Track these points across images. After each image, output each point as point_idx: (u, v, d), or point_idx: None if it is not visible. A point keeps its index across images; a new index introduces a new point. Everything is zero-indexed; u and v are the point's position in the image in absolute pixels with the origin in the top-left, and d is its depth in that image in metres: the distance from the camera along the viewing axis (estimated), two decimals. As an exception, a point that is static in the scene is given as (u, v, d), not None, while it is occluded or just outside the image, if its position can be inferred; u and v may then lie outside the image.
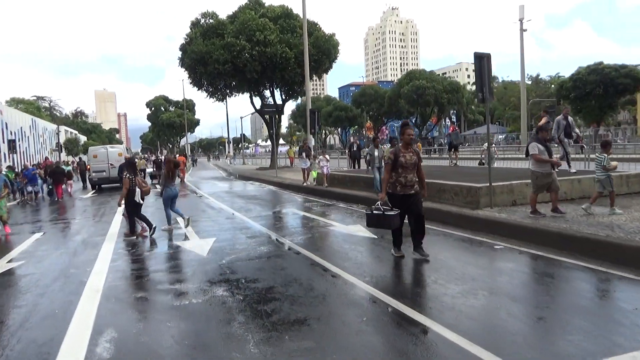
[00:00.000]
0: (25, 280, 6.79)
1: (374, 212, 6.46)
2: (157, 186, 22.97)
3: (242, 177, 28.24)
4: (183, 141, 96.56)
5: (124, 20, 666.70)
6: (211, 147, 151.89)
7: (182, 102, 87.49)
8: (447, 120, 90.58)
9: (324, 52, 28.86)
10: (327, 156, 16.26)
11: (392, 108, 79.78)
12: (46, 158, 32.78)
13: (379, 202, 6.45)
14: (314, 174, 16.84)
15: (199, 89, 29.90)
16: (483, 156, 18.99)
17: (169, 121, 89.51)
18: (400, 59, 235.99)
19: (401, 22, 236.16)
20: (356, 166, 21.44)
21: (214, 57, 26.63)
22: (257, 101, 33.32)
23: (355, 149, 18.92)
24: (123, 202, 9.79)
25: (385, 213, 6.31)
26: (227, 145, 61.73)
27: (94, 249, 8.76)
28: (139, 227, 10.07)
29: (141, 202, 9.87)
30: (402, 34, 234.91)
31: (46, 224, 12.43)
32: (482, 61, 9.34)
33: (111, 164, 23.65)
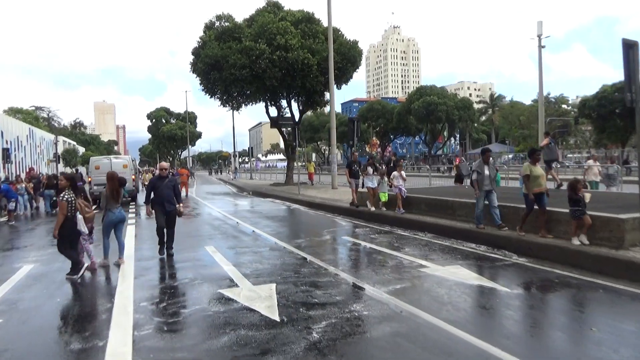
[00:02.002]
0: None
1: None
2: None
3: (257, 193, 25.70)
4: (184, 154, 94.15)
5: (125, 33, 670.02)
6: (210, 161, 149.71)
7: (185, 114, 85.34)
8: (452, 139, 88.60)
9: (349, 59, 26.64)
10: (403, 172, 12.59)
11: (400, 124, 77.89)
12: (31, 168, 30.02)
13: None
14: (383, 196, 13.04)
15: (211, 96, 27.51)
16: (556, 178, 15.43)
17: (170, 133, 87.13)
18: (402, 76, 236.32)
19: (402, 40, 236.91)
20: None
21: (230, 61, 24.33)
22: (271, 112, 31.01)
23: (355, 167, 15.04)
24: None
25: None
26: (232, 159, 59.18)
27: (103, 296, 6.18)
28: (85, 260, 7.58)
29: (85, 231, 7.25)
30: (404, 52, 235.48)
31: (39, 250, 9.84)
32: (631, 50, 6.97)
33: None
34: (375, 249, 8.90)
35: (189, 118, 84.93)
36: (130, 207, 19.53)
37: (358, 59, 27.26)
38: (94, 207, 20.29)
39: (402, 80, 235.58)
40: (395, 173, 12.31)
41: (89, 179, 22.24)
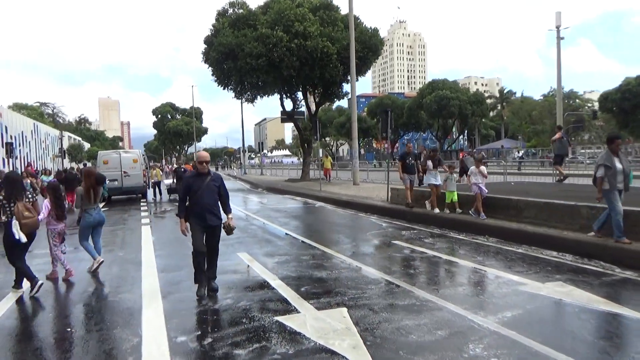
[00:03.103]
0: None
1: None
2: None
3: (272, 190, 24.31)
4: (190, 150, 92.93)
5: (129, 30, 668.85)
6: (215, 157, 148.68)
7: (190, 109, 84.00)
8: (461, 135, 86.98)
9: (370, 47, 25.14)
10: (484, 169, 10.37)
11: (411, 119, 76.35)
12: (28, 164, 28.65)
13: None
14: (452, 195, 10.84)
15: (224, 88, 26.03)
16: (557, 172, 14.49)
17: (175, 129, 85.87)
18: (408, 71, 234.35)
19: (409, 35, 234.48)
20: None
21: (246, 50, 22.86)
22: (286, 105, 29.55)
23: (410, 160, 12.84)
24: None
25: None
26: (242, 154, 57.83)
27: (126, 326, 4.77)
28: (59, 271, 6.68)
29: (23, 240, 5.79)
30: (410, 46, 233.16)
31: (40, 265, 8.46)
32: None
33: (124, 172, 19.78)
34: (442, 257, 7.48)
35: (195, 113, 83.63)
36: (141, 204, 18.16)
37: (380, 47, 25.76)
38: (102, 204, 19.31)
39: (408, 76, 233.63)
40: (473, 169, 10.36)
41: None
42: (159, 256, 8.05)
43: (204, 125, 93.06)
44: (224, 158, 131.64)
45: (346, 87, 28.46)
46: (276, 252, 8.11)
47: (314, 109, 28.78)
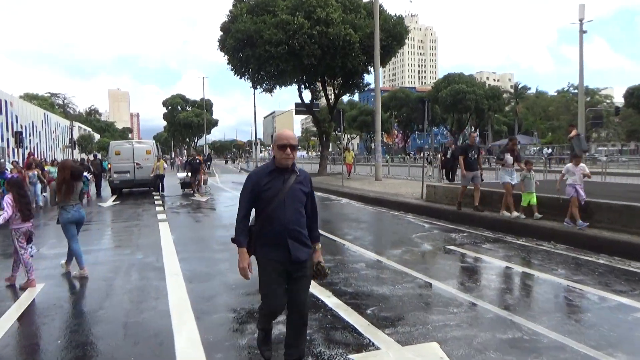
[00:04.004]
0: None
1: None
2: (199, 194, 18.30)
3: (290, 184, 23.20)
4: (200, 142, 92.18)
5: (140, 23, 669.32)
6: (224, 150, 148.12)
7: (201, 101, 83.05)
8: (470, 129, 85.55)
9: (394, 36, 23.88)
10: (584, 166, 8.39)
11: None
12: (30, 153, 27.66)
13: None
14: (530, 197, 8.93)
15: (241, 77, 24.94)
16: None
17: (186, 121, 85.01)
18: (419, 66, 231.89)
19: (420, 29, 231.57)
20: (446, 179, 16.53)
21: (265, 37, 21.72)
22: (304, 96, 28.38)
23: (473, 154, 11.67)
24: None
25: None
26: (254, 147, 56.80)
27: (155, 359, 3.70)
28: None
29: None
30: (421, 41, 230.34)
31: (51, 263, 7.43)
32: None
33: (137, 164, 18.79)
34: (516, 269, 6.35)
35: (205, 105, 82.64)
36: (155, 198, 17.16)
37: (404, 35, 24.50)
38: (114, 198, 18.18)
39: (419, 70, 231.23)
40: (569, 166, 8.35)
41: (109, 166, 19.98)
42: (183, 260, 6.99)
43: (214, 117, 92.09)
44: (233, 151, 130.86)
45: (367, 77, 27.33)
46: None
47: (333, 100, 27.64)
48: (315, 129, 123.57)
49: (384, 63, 25.28)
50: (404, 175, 23.24)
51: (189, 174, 18.93)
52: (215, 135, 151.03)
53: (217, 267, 6.57)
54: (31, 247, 6.08)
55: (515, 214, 9.21)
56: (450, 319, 4.37)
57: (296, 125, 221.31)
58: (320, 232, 8.70)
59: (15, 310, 4.95)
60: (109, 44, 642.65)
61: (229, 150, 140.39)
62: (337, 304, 4.85)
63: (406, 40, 25.50)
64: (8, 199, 5.80)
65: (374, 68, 25.20)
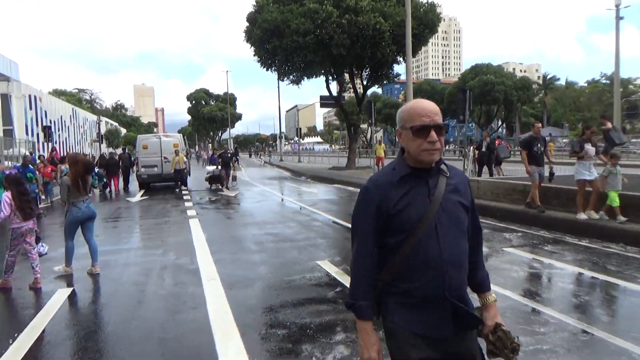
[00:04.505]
0: None
1: None
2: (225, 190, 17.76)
3: (318, 178, 22.60)
4: (224, 136, 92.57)
5: (162, 18, 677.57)
6: (247, 144, 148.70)
7: (224, 95, 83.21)
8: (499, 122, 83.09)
9: (426, 24, 22.94)
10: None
11: (451, 105, 73.30)
12: (52, 148, 27.73)
13: None
14: (613, 196, 7.68)
15: (267, 69, 24.40)
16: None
17: (210, 115, 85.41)
18: (442, 57, 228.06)
19: (444, 19, 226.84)
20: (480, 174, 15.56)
21: (292, 26, 21.10)
22: (332, 88, 27.68)
23: (539, 147, 9.81)
24: None
25: None
26: (279, 140, 56.49)
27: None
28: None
29: None
30: (445, 32, 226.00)
31: (79, 264, 7.01)
32: None
33: (165, 158, 18.49)
34: (594, 276, 5.59)
35: (229, 99, 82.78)
36: (183, 193, 16.81)
37: (437, 23, 23.52)
38: (141, 192, 17.86)
39: (442, 62, 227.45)
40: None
41: (136, 160, 19.77)
42: (218, 262, 6.46)
43: (237, 111, 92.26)
44: (257, 144, 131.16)
45: (396, 68, 26.46)
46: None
47: (361, 91, 26.87)
48: (337, 122, 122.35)
49: (414, 52, 24.36)
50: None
51: (219, 167, 18.19)
52: (238, 129, 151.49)
53: (257, 271, 6.02)
54: (42, 245, 5.85)
55: (592, 215, 8.22)
56: (540, 342, 3.69)
57: (318, 119, 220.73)
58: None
59: (42, 319, 4.49)
60: (134, 40, 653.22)
61: (252, 144, 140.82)
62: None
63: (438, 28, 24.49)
64: (6, 197, 5.43)
65: (405, 58, 24.36)
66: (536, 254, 6.73)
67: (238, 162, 30.21)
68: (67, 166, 14.37)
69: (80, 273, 6.23)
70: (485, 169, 16.25)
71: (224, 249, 7.37)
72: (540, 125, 9.15)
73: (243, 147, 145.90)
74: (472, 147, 17.49)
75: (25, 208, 5.48)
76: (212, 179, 18.62)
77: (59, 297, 5.14)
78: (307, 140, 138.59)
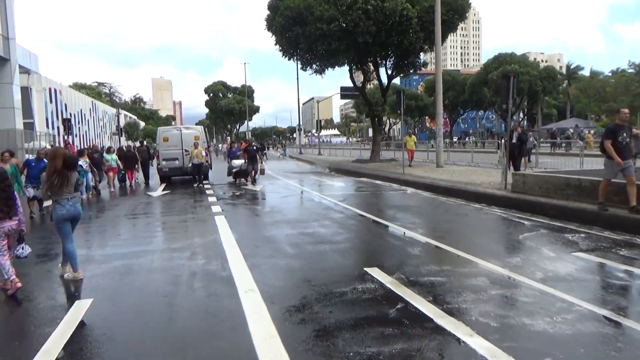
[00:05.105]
0: None
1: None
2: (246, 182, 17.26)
3: (342, 171, 21.80)
4: (242, 129, 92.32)
5: (180, 11, 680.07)
6: (264, 136, 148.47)
7: (242, 87, 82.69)
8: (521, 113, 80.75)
9: (455, 10, 21.82)
10: None
11: (473, 96, 71.58)
12: (66, 142, 27.46)
13: None
14: None
15: (289, 58, 23.63)
16: None
17: (228, 107, 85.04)
18: (461, 48, 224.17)
19: (473, 8, 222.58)
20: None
21: (316, 13, 20.23)
22: (355, 78, 26.74)
23: (624, 138, 8.55)
24: None
25: None
26: (297, 132, 55.81)
27: None
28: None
29: None
30: (464, 21, 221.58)
31: (101, 268, 6.38)
32: None
33: (186, 150, 17.90)
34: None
35: (247, 92, 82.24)
36: (205, 187, 16.19)
37: (466, 8, 22.40)
38: (163, 187, 17.30)
39: (461, 52, 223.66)
40: None
41: (156, 153, 19.23)
42: (254, 269, 5.74)
43: (255, 103, 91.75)
44: (273, 137, 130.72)
45: (423, 56, 25.42)
46: (419, 269, 5.59)
47: (386, 81, 25.89)
48: (354, 114, 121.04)
49: (443, 40, 23.29)
50: (465, 161, 21.39)
51: (246, 161, 16.83)
52: (255, 122, 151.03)
53: (299, 280, 5.28)
54: (22, 248, 5.30)
55: None
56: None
57: (335, 111, 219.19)
58: (405, 230, 7.26)
59: (56, 342, 3.81)
60: (151, 34, 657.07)
61: (268, 136, 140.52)
62: (488, 348, 3.42)
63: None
64: None
65: (433, 45, 23.32)
66: (611, 259, 5.87)
67: (266, 156, 29.40)
68: (85, 160, 13.97)
69: (100, 279, 5.58)
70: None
71: (258, 253, 6.65)
72: (627, 111, 7.97)
73: (260, 140, 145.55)
74: (504, 140, 16.35)
75: (1, 206, 4.97)
76: (238, 173, 17.57)
77: (76, 312, 4.47)
78: (323, 132, 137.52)
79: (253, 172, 16.73)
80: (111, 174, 16.03)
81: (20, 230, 5.27)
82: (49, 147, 22.36)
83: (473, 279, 5.17)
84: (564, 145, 28.90)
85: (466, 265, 5.75)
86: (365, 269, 5.55)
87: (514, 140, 15.28)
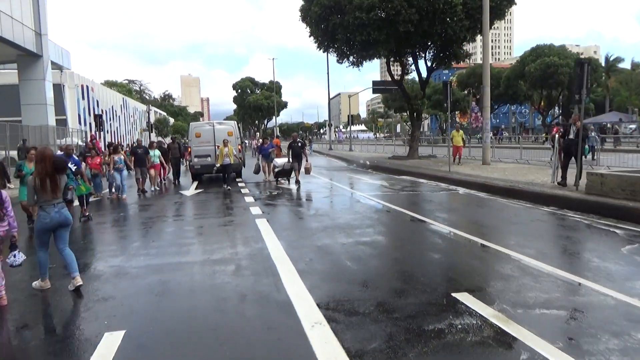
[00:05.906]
0: None
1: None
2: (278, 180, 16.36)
3: (380, 169, 20.67)
4: (269, 124, 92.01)
5: (208, 8, 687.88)
6: (291, 132, 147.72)
7: (270, 83, 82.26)
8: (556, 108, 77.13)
9: (504, -6, 20.36)
10: None
11: (508, 90, 69.08)
12: (92, 136, 26.88)
13: None
14: None
15: (324, 50, 22.59)
16: None
17: (256, 103, 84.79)
18: (492, 40, 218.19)
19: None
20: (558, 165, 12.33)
21: (355, 2, 19.08)
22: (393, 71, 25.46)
23: (574, 135, 7.51)
24: None
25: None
26: (328, 128, 54.84)
27: None
28: None
29: None
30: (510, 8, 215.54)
31: (135, 285, 5.51)
32: None
33: (218, 147, 17.09)
34: None
35: (275, 88, 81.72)
36: (239, 185, 15.35)
37: (515, -8, 20.85)
38: (195, 185, 16.50)
39: (492, 45, 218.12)
40: None
41: (189, 150, 18.54)
42: (314, 291, 4.72)
43: (282, 99, 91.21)
44: (300, 132, 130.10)
45: (467, 47, 23.99)
46: (522, 297, 4.47)
47: (426, 73, 24.56)
48: (382, 109, 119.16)
49: (490, 27, 21.82)
50: (512, 158, 19.90)
51: (290, 159, 15.36)
52: (282, 118, 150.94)
53: (374, 308, 4.25)
54: (14, 256, 4.79)
55: None
56: None
57: (362, 106, 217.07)
58: (480, 240, 6.09)
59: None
60: (180, 33, 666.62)
61: (295, 132, 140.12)
62: None
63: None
64: None
65: (476, 35, 21.88)
66: None
67: (310, 151, 28.01)
68: (120, 157, 13.22)
69: (133, 301, 4.70)
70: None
71: (315, 268, 5.66)
72: None
73: (287, 135, 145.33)
74: (557, 135, 14.09)
75: None
76: (281, 173, 15.96)
77: (107, 348, 3.57)
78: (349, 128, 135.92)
79: (298, 170, 15.11)
80: (153, 171, 14.80)
81: (11, 236, 4.78)
82: (81, 143, 21.95)
83: (599, 312, 4.03)
84: (621, 141, 27.06)
85: (579, 292, 4.60)
86: (454, 294, 4.48)
87: (571, 136, 13.71)
